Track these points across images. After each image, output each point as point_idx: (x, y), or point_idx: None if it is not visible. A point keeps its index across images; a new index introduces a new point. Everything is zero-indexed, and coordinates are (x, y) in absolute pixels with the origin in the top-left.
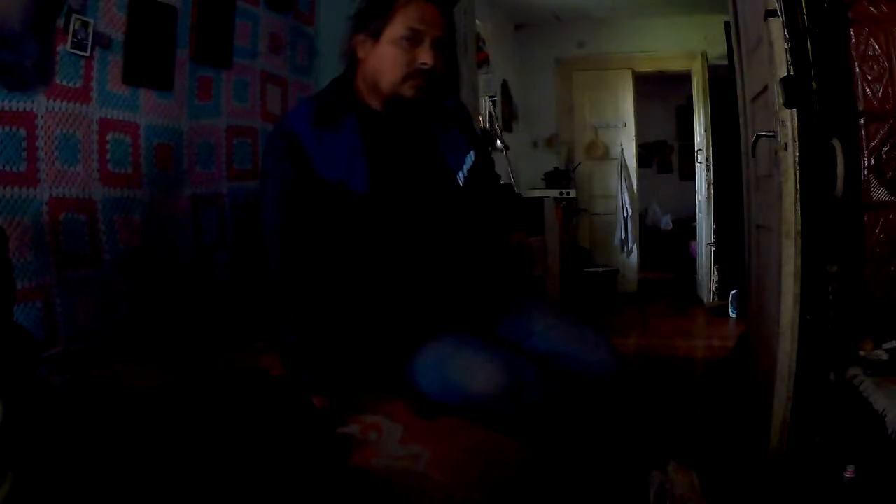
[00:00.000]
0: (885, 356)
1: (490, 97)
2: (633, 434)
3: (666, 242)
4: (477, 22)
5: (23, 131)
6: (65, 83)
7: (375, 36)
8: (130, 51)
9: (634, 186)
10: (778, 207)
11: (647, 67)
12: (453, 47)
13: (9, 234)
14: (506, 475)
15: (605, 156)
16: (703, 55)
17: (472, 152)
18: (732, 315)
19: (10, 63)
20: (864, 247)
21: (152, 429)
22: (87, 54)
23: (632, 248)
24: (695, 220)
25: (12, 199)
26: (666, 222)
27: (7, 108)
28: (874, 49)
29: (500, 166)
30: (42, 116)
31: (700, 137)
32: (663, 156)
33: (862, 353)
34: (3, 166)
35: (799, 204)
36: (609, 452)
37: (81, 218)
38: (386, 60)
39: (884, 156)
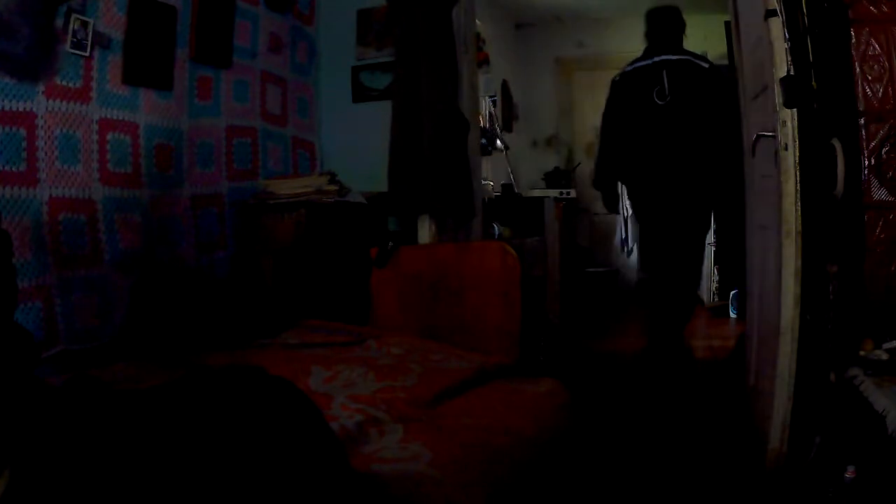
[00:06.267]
0: (885, 356)
1: (490, 97)
2: None
3: None
4: (477, 22)
5: (23, 131)
6: (65, 83)
7: None
8: (130, 51)
9: None
10: (778, 207)
11: None
12: (453, 46)
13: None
14: (506, 475)
15: None
16: (703, 55)
17: None
18: (732, 315)
19: (7, 51)
20: (865, 247)
21: (150, 428)
22: (87, 54)
23: (632, 248)
24: None
25: (12, 199)
26: None
27: (7, 108)
28: (874, 49)
29: (500, 166)
30: (42, 116)
31: None
32: None
33: (862, 353)
34: (3, 166)
35: (799, 204)
36: None
37: (81, 218)
38: None
39: (884, 156)
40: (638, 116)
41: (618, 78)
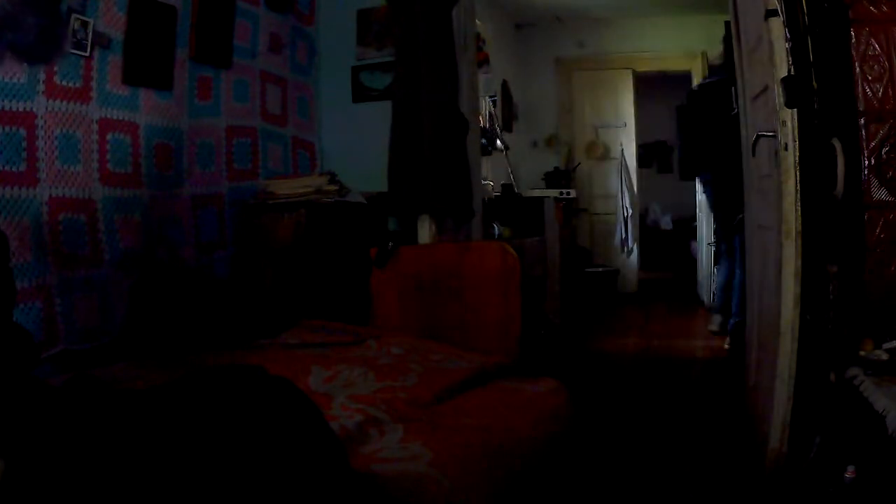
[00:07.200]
0: (885, 356)
1: (490, 97)
2: None
3: (666, 242)
4: (477, 22)
5: (23, 131)
6: (65, 83)
7: None
8: (130, 51)
9: (634, 186)
10: (778, 207)
11: (647, 67)
12: (452, 46)
13: (8, 235)
14: (506, 474)
15: (605, 156)
16: (704, 55)
17: None
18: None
19: (16, 41)
20: (865, 247)
21: (150, 427)
22: (87, 54)
23: (632, 248)
24: (695, 220)
25: (12, 199)
26: (666, 222)
27: (7, 108)
28: (874, 49)
29: (500, 166)
30: (42, 116)
31: None
32: (663, 156)
33: (862, 353)
34: (3, 166)
35: (799, 204)
36: None
37: (81, 218)
38: None
39: (884, 156)
40: (712, 123)
41: (696, 88)
